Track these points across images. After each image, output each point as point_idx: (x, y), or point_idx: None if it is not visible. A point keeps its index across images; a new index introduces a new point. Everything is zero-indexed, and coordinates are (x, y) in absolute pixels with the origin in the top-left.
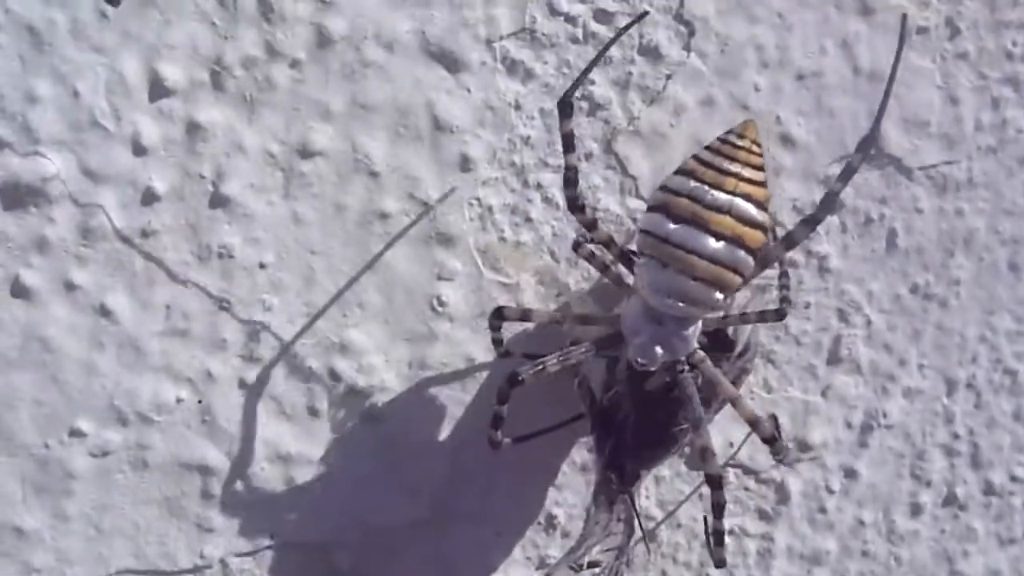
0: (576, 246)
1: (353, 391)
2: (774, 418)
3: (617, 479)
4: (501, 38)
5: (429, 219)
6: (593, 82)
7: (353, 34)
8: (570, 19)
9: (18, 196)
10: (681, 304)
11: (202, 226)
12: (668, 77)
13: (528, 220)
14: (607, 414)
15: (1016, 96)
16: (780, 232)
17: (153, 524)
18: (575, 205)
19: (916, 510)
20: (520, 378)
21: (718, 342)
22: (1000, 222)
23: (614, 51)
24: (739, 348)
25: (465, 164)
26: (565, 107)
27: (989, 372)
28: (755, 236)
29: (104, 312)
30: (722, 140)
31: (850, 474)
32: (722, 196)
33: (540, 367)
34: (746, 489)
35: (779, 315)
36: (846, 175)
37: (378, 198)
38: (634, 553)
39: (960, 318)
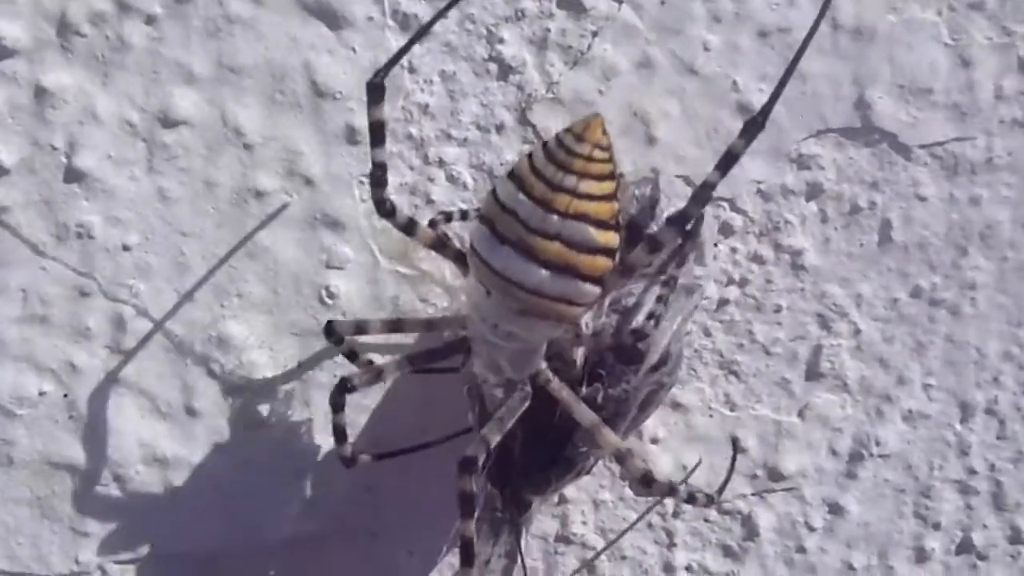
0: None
1: (235, 389)
2: (734, 442)
3: (502, 505)
4: None
5: (313, 198)
6: (502, 40)
7: None
8: None
9: None
10: (509, 337)
11: (57, 202)
12: (594, 34)
13: (430, 202)
14: None
15: None
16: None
17: (24, 525)
18: (384, 209)
19: (921, 556)
20: (350, 385)
21: (623, 352)
22: None
23: (528, 3)
24: (652, 359)
25: (352, 136)
26: (375, 90)
27: (1015, 396)
28: (594, 263)
29: None
30: (559, 141)
31: (835, 510)
32: (552, 218)
33: (376, 372)
34: (706, 520)
35: (637, 336)
36: (726, 163)
37: (253, 173)
38: None
39: (977, 329)
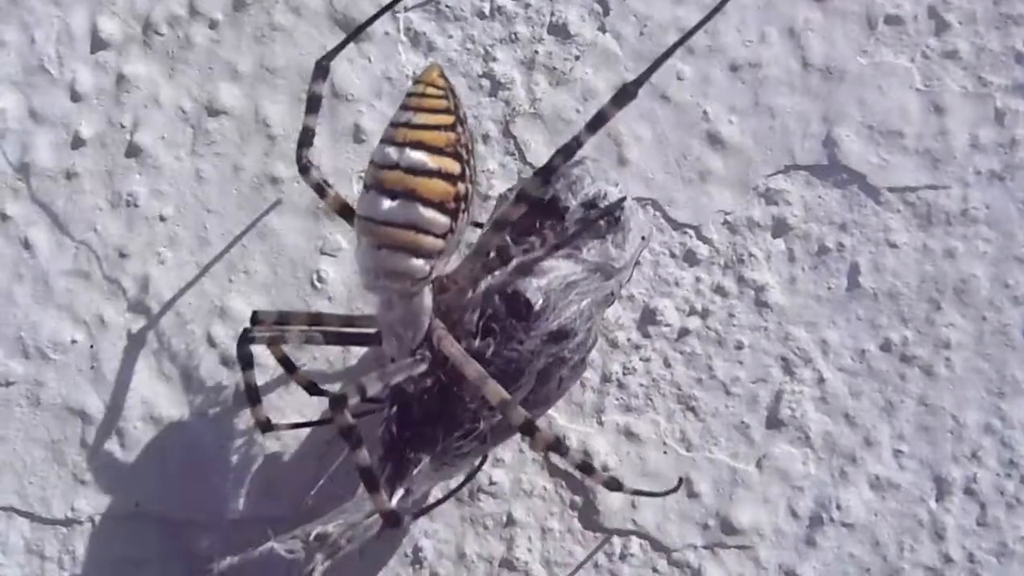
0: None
1: (228, 362)
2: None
3: (384, 458)
4: (406, 9)
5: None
6: (495, 59)
7: None
8: None
9: None
10: (380, 279)
11: (117, 173)
12: (577, 58)
13: None
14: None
15: None
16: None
17: (38, 465)
18: (302, 165)
19: None
20: (251, 335)
21: (513, 307)
22: (1010, 272)
23: (522, 27)
24: (549, 326)
25: (358, 135)
26: (320, 69)
27: (998, 478)
28: (430, 186)
29: (27, 245)
30: (407, 92)
31: None
32: (391, 150)
33: (280, 333)
34: (654, 571)
35: (502, 257)
36: (595, 123)
37: (272, 162)
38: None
39: (953, 395)
